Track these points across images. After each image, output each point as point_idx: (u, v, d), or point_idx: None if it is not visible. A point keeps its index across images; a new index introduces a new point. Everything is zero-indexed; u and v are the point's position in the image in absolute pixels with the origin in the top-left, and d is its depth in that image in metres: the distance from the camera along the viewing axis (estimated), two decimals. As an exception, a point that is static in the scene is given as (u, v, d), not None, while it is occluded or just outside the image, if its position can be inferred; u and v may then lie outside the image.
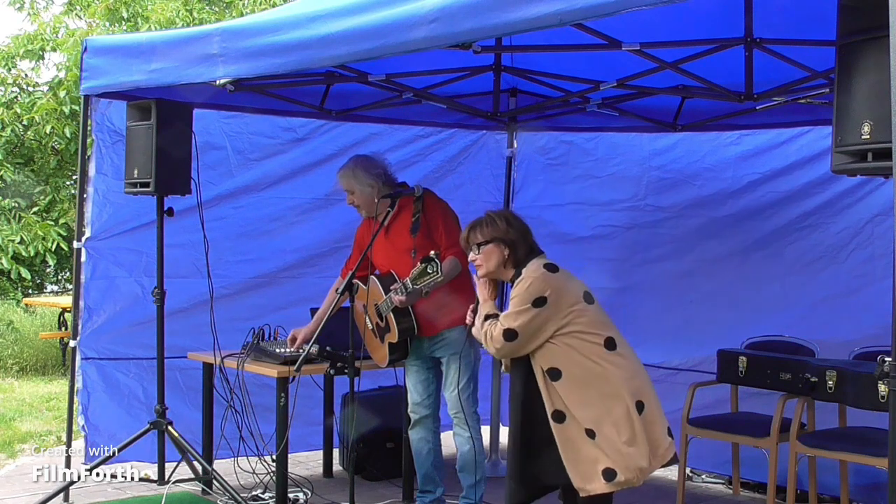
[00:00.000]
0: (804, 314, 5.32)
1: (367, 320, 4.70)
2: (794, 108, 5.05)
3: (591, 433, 3.44)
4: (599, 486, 3.43)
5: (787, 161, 5.43)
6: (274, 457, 4.76)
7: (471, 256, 3.73)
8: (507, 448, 3.71)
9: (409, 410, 4.79)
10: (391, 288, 4.44)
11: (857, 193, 5.11)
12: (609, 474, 3.42)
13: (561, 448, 3.46)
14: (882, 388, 4.11)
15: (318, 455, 5.89)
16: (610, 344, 3.54)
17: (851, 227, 5.17)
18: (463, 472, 4.66)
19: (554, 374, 3.48)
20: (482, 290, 3.72)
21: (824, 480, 4.91)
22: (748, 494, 5.44)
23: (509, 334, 3.49)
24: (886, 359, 2.41)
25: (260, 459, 5.04)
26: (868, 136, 2.53)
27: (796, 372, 4.72)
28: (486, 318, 3.61)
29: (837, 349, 4.94)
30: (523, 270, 3.59)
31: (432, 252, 4.04)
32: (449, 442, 4.78)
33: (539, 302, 3.48)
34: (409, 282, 4.20)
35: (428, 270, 4.02)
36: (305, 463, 5.90)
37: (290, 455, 4.90)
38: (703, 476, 5.76)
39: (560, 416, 3.46)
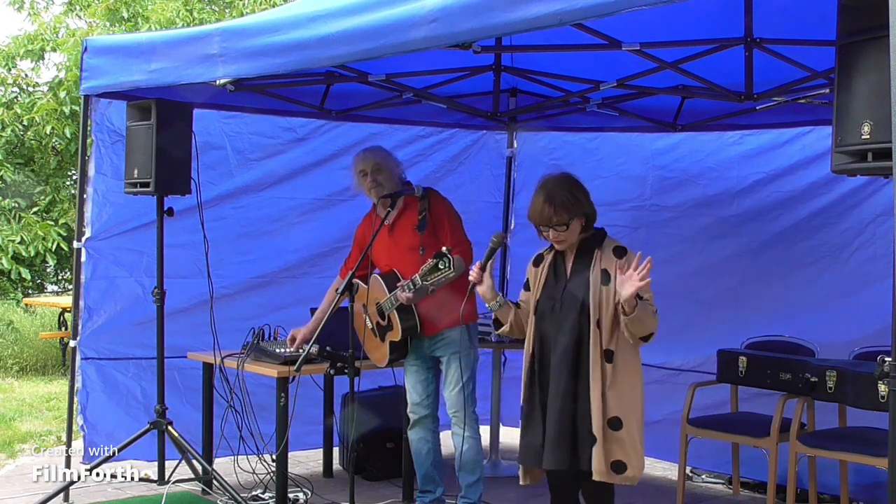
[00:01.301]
0: (805, 314, 5.31)
1: (367, 319, 4.70)
2: (794, 107, 5.05)
3: (616, 422, 3.47)
4: (606, 475, 3.48)
5: (791, 161, 5.43)
6: (274, 456, 4.76)
7: (552, 234, 3.61)
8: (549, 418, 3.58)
9: (408, 410, 4.78)
10: (397, 285, 4.44)
11: (861, 194, 5.10)
12: (619, 466, 3.48)
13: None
14: (882, 388, 4.11)
15: (318, 455, 5.89)
16: None
17: (854, 227, 5.16)
18: (462, 471, 4.65)
19: (609, 355, 3.51)
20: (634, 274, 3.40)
21: (824, 480, 4.91)
22: (748, 494, 5.45)
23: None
24: (886, 359, 2.41)
25: (259, 459, 5.04)
26: (868, 136, 2.53)
27: (796, 372, 4.72)
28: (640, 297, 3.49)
29: (837, 349, 4.94)
30: (626, 253, 3.55)
31: (444, 248, 4.01)
32: (448, 442, 4.78)
33: None
34: (417, 278, 4.18)
35: (439, 266, 3.99)
36: (305, 463, 5.90)
37: (288, 454, 4.90)
38: (703, 476, 5.76)
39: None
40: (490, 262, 3.64)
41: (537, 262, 3.78)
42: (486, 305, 3.73)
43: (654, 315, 3.47)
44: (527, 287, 3.78)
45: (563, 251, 3.69)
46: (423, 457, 4.76)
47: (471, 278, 3.67)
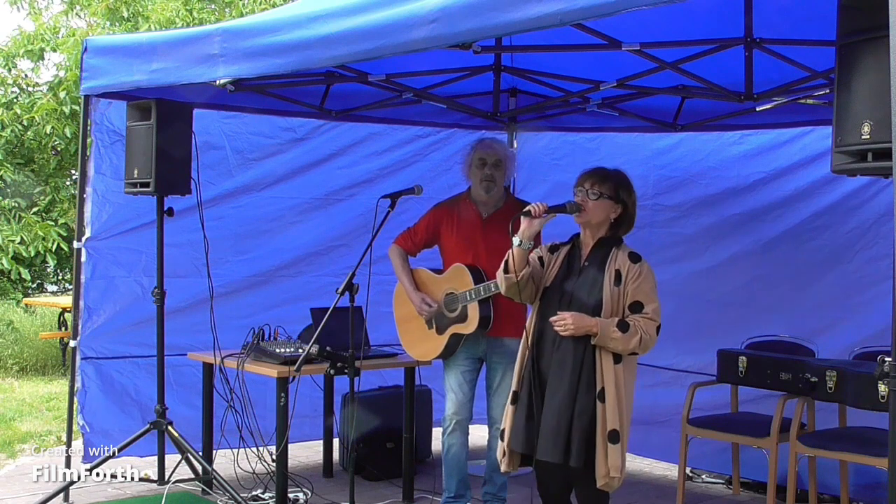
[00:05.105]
0: (806, 314, 5.31)
1: (424, 308, 4.63)
2: (794, 107, 5.05)
3: (615, 434, 3.46)
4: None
5: (791, 161, 5.42)
6: (274, 456, 4.76)
7: (580, 197, 3.63)
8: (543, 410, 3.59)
9: (450, 413, 4.67)
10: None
11: (864, 194, 5.08)
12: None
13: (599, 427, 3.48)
14: (882, 388, 4.11)
15: (316, 451, 5.89)
16: None
17: (857, 228, 5.15)
18: (497, 471, 4.64)
19: (616, 357, 3.52)
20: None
21: (825, 479, 4.91)
22: (748, 494, 5.44)
23: (659, 330, 3.53)
24: (886, 359, 2.41)
25: (259, 458, 5.04)
26: (868, 137, 2.53)
27: (796, 372, 4.72)
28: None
29: (838, 350, 4.94)
30: (640, 260, 3.58)
31: None
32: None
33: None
34: None
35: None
36: (305, 462, 5.90)
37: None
38: (703, 476, 5.76)
39: (602, 396, 3.48)
40: (553, 215, 3.62)
41: (553, 249, 3.79)
42: (517, 238, 3.59)
43: (656, 333, 3.54)
44: (539, 259, 3.74)
45: (580, 246, 3.70)
46: (462, 461, 4.71)
47: (530, 207, 3.60)
